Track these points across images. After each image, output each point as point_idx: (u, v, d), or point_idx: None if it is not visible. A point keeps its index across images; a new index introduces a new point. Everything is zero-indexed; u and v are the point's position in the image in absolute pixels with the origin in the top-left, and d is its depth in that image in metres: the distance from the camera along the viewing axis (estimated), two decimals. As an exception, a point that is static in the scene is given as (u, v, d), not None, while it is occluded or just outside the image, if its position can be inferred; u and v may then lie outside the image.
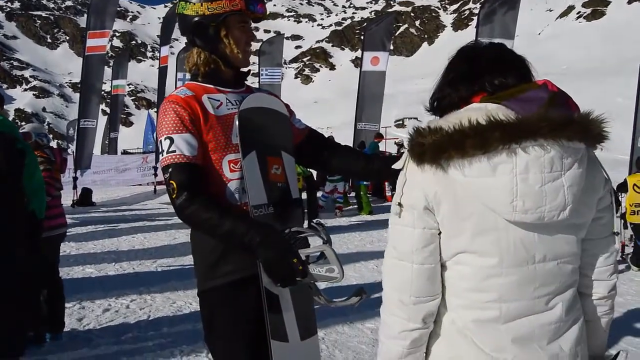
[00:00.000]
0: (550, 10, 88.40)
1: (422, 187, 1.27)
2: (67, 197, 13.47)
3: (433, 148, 1.22)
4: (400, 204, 1.31)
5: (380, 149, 15.28)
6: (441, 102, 1.41)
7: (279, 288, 1.77)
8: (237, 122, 1.87)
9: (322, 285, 1.87)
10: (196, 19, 1.87)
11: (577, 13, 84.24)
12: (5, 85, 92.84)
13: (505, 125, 1.17)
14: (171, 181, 1.75)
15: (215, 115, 1.86)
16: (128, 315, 4.86)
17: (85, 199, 13.75)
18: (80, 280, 6.11)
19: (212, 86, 1.93)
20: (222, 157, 1.86)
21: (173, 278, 6.15)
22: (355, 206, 12.76)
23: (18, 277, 3.28)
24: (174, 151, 1.77)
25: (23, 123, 77.94)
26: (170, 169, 1.76)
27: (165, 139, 1.78)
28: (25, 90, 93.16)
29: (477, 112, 1.23)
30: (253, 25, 2.02)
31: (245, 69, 2.03)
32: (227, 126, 1.88)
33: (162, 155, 1.79)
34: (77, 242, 8.34)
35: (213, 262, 1.86)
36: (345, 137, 19.03)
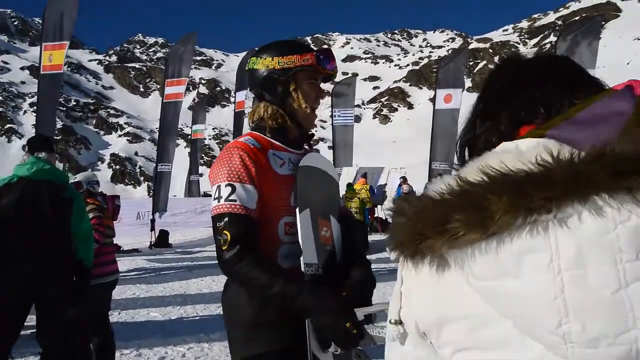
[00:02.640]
0: (639, 39, 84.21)
1: (413, 299, 0.81)
2: (145, 239, 13.98)
3: (408, 234, 0.74)
4: (397, 321, 0.84)
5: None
6: (474, 146, 0.90)
7: (328, 354, 1.67)
8: (296, 177, 1.82)
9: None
10: (266, 73, 1.85)
11: (671, 41, 79.70)
12: (102, 132, 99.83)
13: (521, 179, 0.67)
14: (225, 231, 1.65)
15: (278, 173, 1.81)
16: (182, 365, 4.75)
17: (162, 240, 14.13)
18: (142, 324, 6.11)
19: (277, 142, 1.88)
20: (279, 218, 1.79)
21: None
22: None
23: (63, 326, 3.25)
24: (234, 200, 1.68)
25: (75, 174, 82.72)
26: (226, 218, 1.67)
27: (226, 185, 1.70)
28: (120, 136, 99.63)
29: (498, 157, 0.72)
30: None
31: (310, 131, 1.98)
32: (287, 187, 1.82)
33: (218, 202, 1.70)
34: (148, 285, 8.47)
35: (251, 327, 1.75)
36: (420, 177, 18.67)
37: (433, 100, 16.28)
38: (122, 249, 12.52)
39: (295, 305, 1.59)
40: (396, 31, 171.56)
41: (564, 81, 0.87)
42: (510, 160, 0.69)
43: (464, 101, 15.92)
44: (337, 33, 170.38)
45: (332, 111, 18.65)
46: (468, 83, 76.89)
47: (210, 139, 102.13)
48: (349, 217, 2.15)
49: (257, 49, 2.01)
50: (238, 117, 18.37)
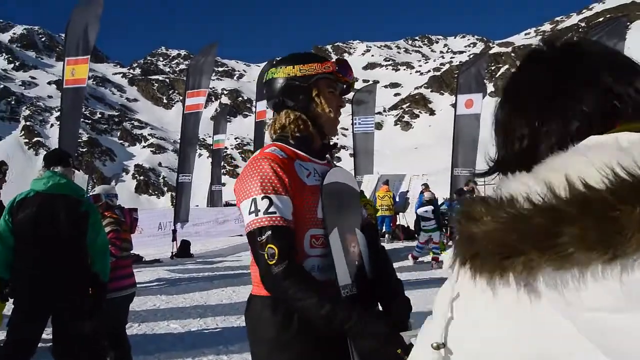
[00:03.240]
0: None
1: (481, 327, 0.65)
2: (167, 249, 14.06)
3: (490, 245, 0.60)
4: (440, 345, 0.70)
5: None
6: (533, 151, 0.74)
7: None
8: (322, 196, 1.80)
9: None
10: (286, 81, 1.86)
11: (700, 41, 78.09)
12: (127, 144, 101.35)
13: None
14: (270, 245, 1.59)
15: (306, 184, 1.78)
16: (201, 377, 4.72)
17: (183, 250, 14.19)
18: (162, 337, 6.10)
19: (302, 153, 1.85)
20: (306, 231, 1.76)
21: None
22: (453, 256, 12.05)
23: (78, 340, 3.24)
24: (274, 213, 1.63)
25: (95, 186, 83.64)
26: (269, 232, 1.61)
27: (262, 197, 1.65)
28: (144, 147, 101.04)
29: (599, 154, 0.59)
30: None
31: (331, 140, 1.98)
32: (315, 198, 1.79)
33: (257, 216, 1.64)
34: (168, 296, 8.48)
35: (276, 344, 1.71)
36: (441, 184, 18.43)
37: (454, 105, 16.14)
38: (143, 259, 12.59)
39: (344, 329, 1.54)
40: (417, 37, 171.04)
41: (624, 66, 0.75)
42: (612, 156, 0.56)
43: (485, 106, 15.73)
44: (357, 41, 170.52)
45: (352, 119, 18.60)
46: (490, 88, 76.14)
47: (232, 149, 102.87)
48: (368, 225, 2.10)
49: (274, 61, 2.01)
50: (259, 126, 18.44)
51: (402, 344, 1.53)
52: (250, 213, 1.65)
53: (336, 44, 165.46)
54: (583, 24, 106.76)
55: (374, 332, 1.54)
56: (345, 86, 1.96)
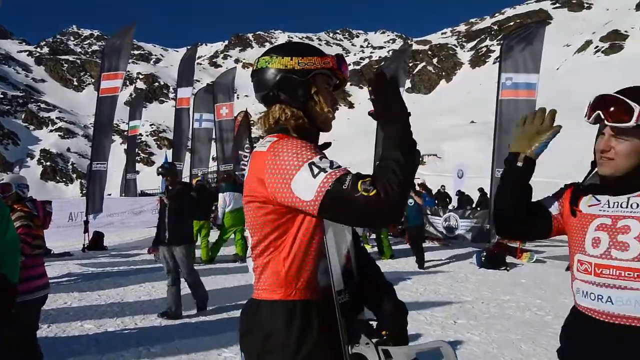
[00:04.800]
0: (568, 46, 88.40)
1: None
2: (77, 242, 13.21)
3: None
4: None
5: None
6: None
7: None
8: None
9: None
10: (282, 74, 1.72)
11: (595, 47, 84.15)
12: (32, 127, 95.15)
13: None
14: (362, 179, 1.44)
15: None
16: (120, 384, 4.37)
17: (96, 243, 13.40)
18: (75, 339, 5.62)
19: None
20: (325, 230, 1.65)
21: (177, 336, 5.65)
22: (376, 249, 12.17)
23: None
24: (340, 166, 1.51)
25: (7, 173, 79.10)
26: (350, 175, 1.46)
27: (320, 158, 1.51)
28: (51, 131, 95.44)
29: None
30: None
31: (327, 138, 1.85)
32: None
33: (326, 172, 1.47)
34: (80, 292, 7.91)
35: (293, 354, 1.60)
36: (364, 177, 18.68)
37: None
38: (52, 252, 11.75)
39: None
40: (338, 31, 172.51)
41: None
42: None
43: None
44: (279, 31, 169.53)
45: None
46: (407, 84, 78.39)
47: (147, 136, 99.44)
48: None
49: (265, 51, 1.83)
50: (179, 113, 17.77)
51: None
52: (316, 176, 1.47)
53: (258, 33, 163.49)
54: (495, 27, 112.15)
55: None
56: (338, 81, 1.84)
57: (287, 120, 1.71)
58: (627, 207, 1.68)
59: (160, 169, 7.11)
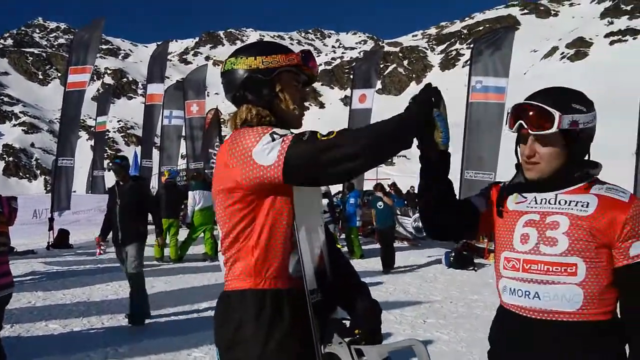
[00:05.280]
0: (535, 51, 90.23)
1: None
2: (42, 239, 12.88)
3: None
4: None
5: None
6: None
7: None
8: (293, 190, 1.65)
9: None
10: (247, 74, 1.73)
11: (561, 54, 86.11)
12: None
13: None
14: (315, 132, 1.52)
15: None
16: (87, 385, 4.28)
17: (61, 240, 13.07)
18: (40, 339, 5.49)
19: None
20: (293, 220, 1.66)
21: (146, 336, 5.58)
22: (346, 249, 12.21)
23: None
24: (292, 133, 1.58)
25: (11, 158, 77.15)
26: (307, 132, 1.55)
27: (272, 133, 1.56)
28: (15, 125, 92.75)
29: None
30: None
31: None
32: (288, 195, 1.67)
33: (281, 139, 1.54)
34: (45, 291, 7.72)
35: (264, 345, 1.59)
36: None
37: (346, 100, 16.51)
38: (15, 250, 11.42)
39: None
40: (310, 30, 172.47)
41: None
42: None
43: (375, 101, 16.20)
44: (250, 29, 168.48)
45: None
46: (378, 85, 78.85)
47: (115, 132, 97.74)
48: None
49: (232, 52, 1.84)
50: (149, 110, 17.49)
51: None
52: (275, 140, 1.53)
53: (229, 31, 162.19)
54: (465, 31, 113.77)
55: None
56: (307, 78, 1.85)
57: (252, 119, 1.72)
58: (555, 203, 1.69)
59: (110, 164, 6.72)
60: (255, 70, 1.72)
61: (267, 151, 1.51)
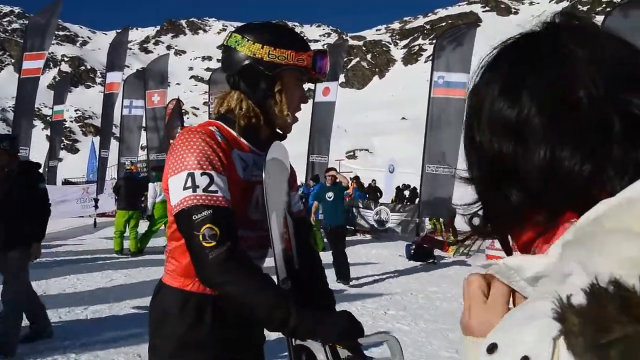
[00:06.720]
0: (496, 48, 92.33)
1: None
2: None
3: None
4: None
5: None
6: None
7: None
8: (265, 173, 1.59)
9: None
10: (249, 61, 1.56)
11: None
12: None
13: None
14: (209, 226, 1.37)
15: (240, 177, 1.57)
16: (44, 380, 4.18)
17: (16, 232, 12.67)
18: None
19: (244, 141, 1.62)
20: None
21: (106, 329, 5.48)
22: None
23: None
24: (216, 192, 1.42)
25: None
26: (210, 211, 1.39)
27: (201, 174, 1.42)
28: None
29: None
30: None
31: (282, 133, 1.72)
32: (246, 196, 1.60)
33: (194, 192, 1.41)
34: (-2, 285, 7.48)
35: (179, 344, 1.56)
36: (298, 171, 18.80)
37: (309, 92, 16.44)
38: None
39: (298, 330, 1.37)
40: (274, 22, 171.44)
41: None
42: None
43: (338, 95, 16.28)
44: (213, 19, 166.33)
45: (209, 98, 18.11)
46: (342, 78, 79.07)
47: (72, 121, 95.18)
48: (302, 221, 1.93)
49: (242, 25, 1.68)
50: (108, 99, 17.07)
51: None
52: (185, 189, 1.41)
53: (191, 20, 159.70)
54: (428, 26, 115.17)
55: (339, 328, 1.41)
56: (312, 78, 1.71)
57: (238, 113, 1.60)
58: None
59: None
60: (258, 61, 1.55)
61: (175, 191, 1.45)
